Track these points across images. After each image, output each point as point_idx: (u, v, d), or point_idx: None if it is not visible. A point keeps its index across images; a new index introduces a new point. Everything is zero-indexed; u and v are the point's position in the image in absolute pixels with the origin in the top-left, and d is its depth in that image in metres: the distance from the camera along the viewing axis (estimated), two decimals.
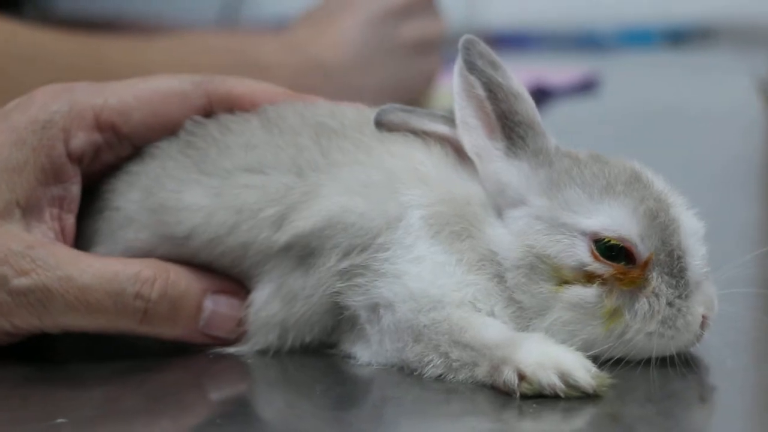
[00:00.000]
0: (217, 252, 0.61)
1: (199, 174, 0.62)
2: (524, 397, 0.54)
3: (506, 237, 0.58)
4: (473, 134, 0.60)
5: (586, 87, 1.55)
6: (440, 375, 0.57)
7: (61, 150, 0.61)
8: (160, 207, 0.62)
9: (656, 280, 0.57)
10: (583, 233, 0.57)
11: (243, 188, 0.61)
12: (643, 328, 0.57)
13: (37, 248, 0.59)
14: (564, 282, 0.57)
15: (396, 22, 1.23)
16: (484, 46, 0.61)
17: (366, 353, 0.60)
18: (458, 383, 0.56)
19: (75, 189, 0.62)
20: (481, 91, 0.60)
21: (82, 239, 0.64)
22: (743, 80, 1.65)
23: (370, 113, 0.62)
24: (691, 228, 0.59)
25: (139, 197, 0.63)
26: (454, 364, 0.56)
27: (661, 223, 0.57)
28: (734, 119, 1.39)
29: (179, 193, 0.62)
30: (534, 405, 0.54)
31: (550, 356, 0.54)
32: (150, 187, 0.63)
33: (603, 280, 0.57)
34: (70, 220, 0.62)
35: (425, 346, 0.57)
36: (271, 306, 0.60)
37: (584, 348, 0.56)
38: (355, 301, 0.59)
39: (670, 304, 0.57)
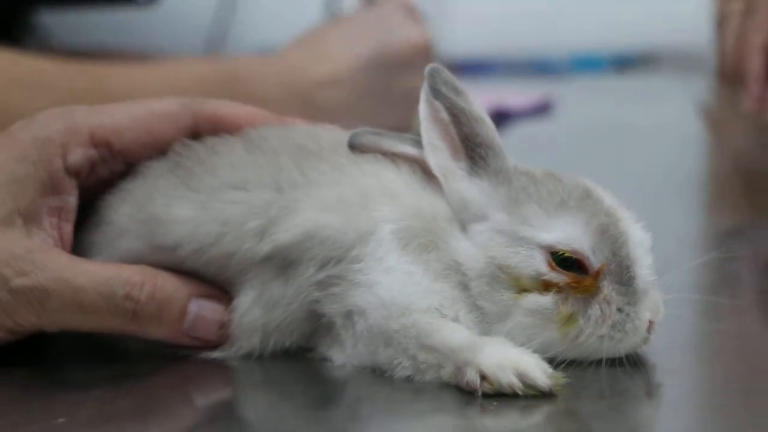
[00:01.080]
0: (203, 260, 0.61)
1: (187, 190, 0.62)
2: (486, 395, 0.54)
3: (470, 249, 0.58)
4: (438, 155, 0.60)
5: (541, 109, 1.55)
6: (409, 376, 0.57)
7: (59, 164, 0.62)
8: (151, 219, 0.62)
9: (607, 288, 0.57)
10: (540, 246, 0.57)
11: (228, 203, 0.61)
12: (596, 331, 0.57)
13: (37, 253, 0.59)
14: (523, 290, 0.57)
15: (394, 69, 1.17)
16: (447, 74, 0.61)
17: (341, 356, 0.60)
18: (425, 383, 0.56)
19: (72, 200, 0.63)
20: (445, 116, 0.60)
21: (81, 249, 0.64)
22: (683, 102, 1.66)
23: (344, 136, 0.62)
24: (639, 240, 0.59)
25: (131, 211, 0.63)
26: (421, 366, 0.57)
27: (611, 236, 0.58)
28: (676, 137, 1.40)
29: (168, 206, 0.62)
30: (495, 403, 0.54)
31: (509, 358, 0.54)
32: (141, 202, 0.63)
33: (558, 289, 0.57)
34: (68, 228, 0.62)
35: (395, 349, 0.57)
36: (253, 312, 0.60)
37: (542, 350, 0.56)
38: (331, 308, 0.59)
39: (620, 309, 0.57)
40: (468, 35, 2.06)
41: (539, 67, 1.93)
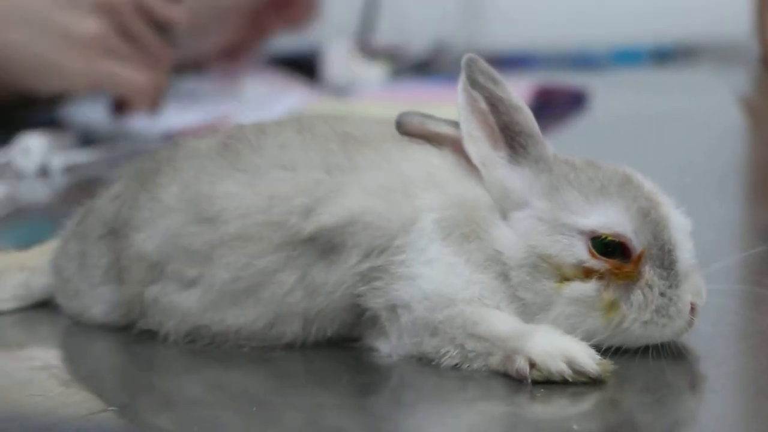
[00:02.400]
0: (247, 233, 0.60)
1: (234, 170, 0.62)
2: (535, 383, 0.54)
3: (511, 238, 0.58)
4: (478, 145, 0.60)
5: (579, 101, 1.54)
6: (456, 364, 0.57)
7: None
8: (196, 195, 0.62)
9: (649, 272, 0.57)
10: (581, 232, 0.57)
11: (275, 180, 0.61)
12: (639, 317, 0.57)
13: None
14: (564, 279, 0.57)
15: None
16: (484, 64, 0.61)
17: (386, 346, 0.60)
18: (473, 371, 0.56)
19: None
20: (483, 105, 0.60)
21: (132, 225, 0.64)
22: (724, 93, 1.64)
23: (390, 126, 0.62)
24: (679, 224, 0.59)
25: (178, 190, 0.63)
26: (469, 354, 0.56)
27: (652, 220, 0.58)
28: (715, 128, 1.39)
29: (214, 183, 0.62)
30: (542, 390, 0.54)
31: (558, 345, 0.54)
32: (188, 182, 0.63)
33: (600, 275, 0.57)
34: None
35: (441, 339, 0.57)
36: (295, 293, 0.60)
37: (586, 338, 0.56)
38: (375, 303, 0.59)
39: (662, 294, 0.57)
40: (506, 29, 2.05)
41: (578, 60, 1.91)
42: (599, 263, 0.57)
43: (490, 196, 0.59)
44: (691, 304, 0.58)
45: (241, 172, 0.62)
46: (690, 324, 0.58)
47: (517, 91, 0.62)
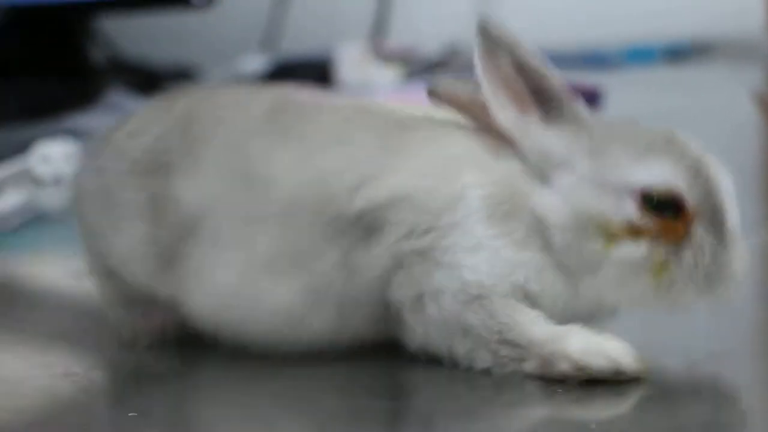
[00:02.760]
0: (295, 206, 0.59)
1: (287, 139, 0.60)
2: (573, 383, 0.53)
3: (554, 202, 0.56)
4: (507, 112, 0.58)
5: (594, 99, 1.54)
6: (488, 368, 0.56)
7: None
8: (245, 158, 0.60)
9: (700, 233, 0.55)
10: (631, 189, 0.55)
11: (331, 155, 0.59)
12: (690, 279, 0.55)
13: None
14: (613, 239, 0.55)
15: None
16: (501, 27, 0.59)
17: (414, 343, 0.58)
18: (506, 375, 0.55)
19: None
20: (509, 69, 0.58)
21: (169, 169, 0.61)
22: (739, 91, 1.63)
23: (437, 112, 0.61)
24: (727, 187, 0.56)
25: (223, 147, 0.61)
26: (502, 359, 0.56)
27: (702, 178, 0.55)
28: (731, 126, 1.38)
29: (266, 150, 0.60)
30: (580, 391, 0.53)
31: (596, 344, 0.54)
32: (236, 141, 0.61)
33: (650, 235, 0.55)
34: None
35: (474, 341, 0.56)
36: (334, 273, 0.58)
37: (635, 300, 0.55)
38: (402, 294, 0.57)
39: (712, 255, 0.55)
40: (518, 29, 2.05)
41: (592, 58, 1.91)
42: (650, 221, 0.55)
43: (527, 162, 0.58)
44: (741, 268, 0.55)
45: (296, 142, 0.60)
46: (738, 289, 0.56)
47: None
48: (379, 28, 2.03)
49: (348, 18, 2.03)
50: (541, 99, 0.58)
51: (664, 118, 1.39)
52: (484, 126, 0.59)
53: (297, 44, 2.02)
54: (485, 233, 0.56)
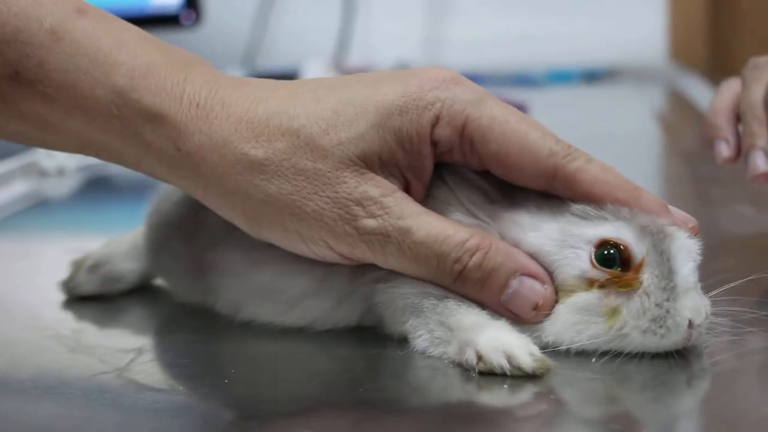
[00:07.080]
0: None
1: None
2: (481, 374, 0.52)
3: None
4: (478, 206, 0.57)
5: (522, 111, 1.57)
6: (425, 348, 0.55)
7: (427, 131, 0.55)
8: None
9: (647, 281, 0.53)
10: (588, 242, 0.54)
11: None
12: (638, 324, 0.53)
13: (389, 198, 0.54)
14: (569, 291, 0.54)
15: None
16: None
17: (385, 325, 0.58)
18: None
19: (428, 165, 0.56)
20: (471, 175, 0.57)
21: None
22: (643, 109, 1.68)
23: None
24: (681, 242, 0.54)
25: None
26: (435, 341, 0.54)
27: (651, 232, 0.53)
28: (636, 139, 1.43)
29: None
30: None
31: (502, 340, 0.52)
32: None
33: (602, 284, 0.53)
34: (419, 188, 0.57)
35: (421, 321, 0.55)
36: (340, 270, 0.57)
37: (590, 343, 0.53)
38: (377, 275, 0.56)
39: (658, 305, 0.53)
40: (461, 53, 2.08)
41: (520, 80, 1.96)
42: (600, 273, 0.53)
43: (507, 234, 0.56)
44: (690, 321, 0.53)
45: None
46: (688, 340, 0.53)
47: None
48: (341, 46, 2.05)
49: (316, 36, 2.05)
50: (504, 191, 0.57)
51: (580, 128, 1.44)
52: None
53: (272, 60, 2.04)
54: None
